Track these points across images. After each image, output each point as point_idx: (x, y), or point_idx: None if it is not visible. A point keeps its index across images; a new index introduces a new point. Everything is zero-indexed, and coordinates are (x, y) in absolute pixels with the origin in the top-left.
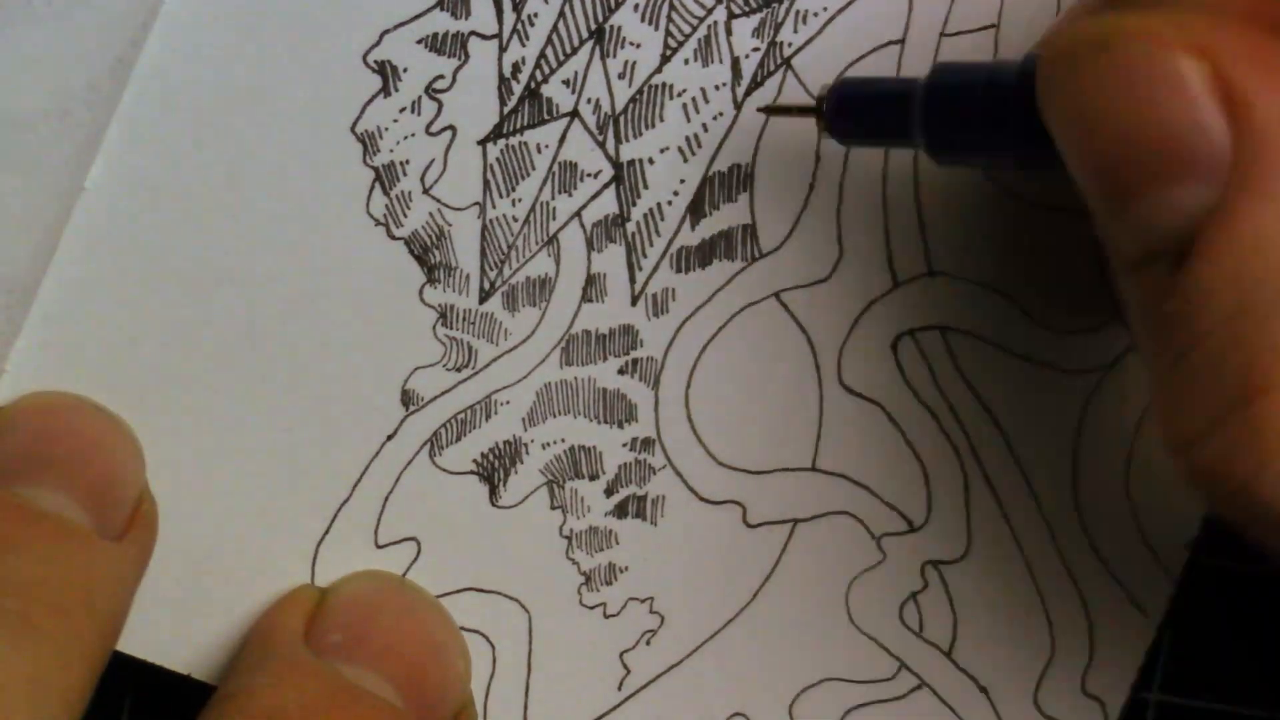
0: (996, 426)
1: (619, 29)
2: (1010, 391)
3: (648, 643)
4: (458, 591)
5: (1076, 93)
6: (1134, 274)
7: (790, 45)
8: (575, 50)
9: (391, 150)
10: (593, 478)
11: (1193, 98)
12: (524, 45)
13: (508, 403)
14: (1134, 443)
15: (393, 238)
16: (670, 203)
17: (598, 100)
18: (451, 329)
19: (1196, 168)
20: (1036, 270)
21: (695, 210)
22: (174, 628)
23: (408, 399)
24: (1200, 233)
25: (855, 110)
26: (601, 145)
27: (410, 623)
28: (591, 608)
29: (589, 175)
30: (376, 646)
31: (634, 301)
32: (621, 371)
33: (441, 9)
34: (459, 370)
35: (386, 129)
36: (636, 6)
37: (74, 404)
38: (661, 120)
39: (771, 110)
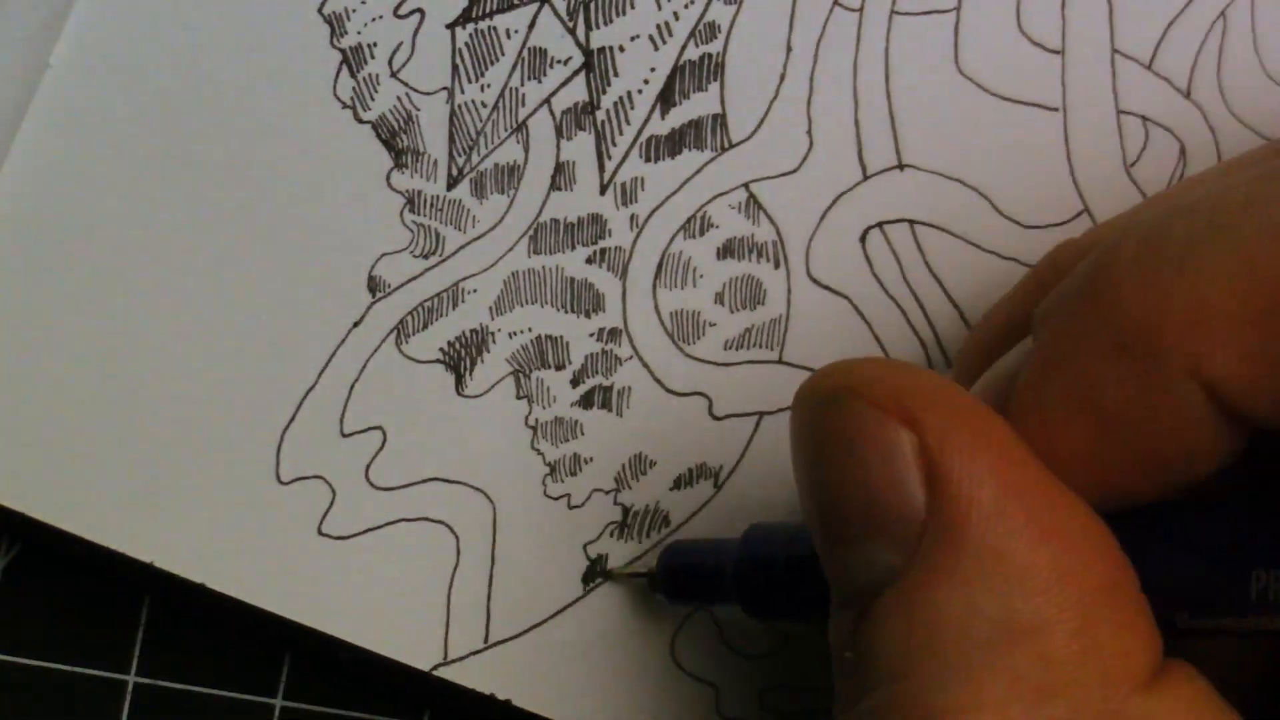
0: (963, 320)
1: None
2: (978, 285)
3: (612, 534)
4: (422, 482)
5: (802, 436)
6: (833, 615)
7: None
8: None
9: (359, 32)
10: (559, 368)
11: (895, 466)
12: None
13: (475, 291)
14: None
15: (360, 121)
16: (640, 91)
17: None
18: (419, 215)
19: (888, 533)
20: (1005, 164)
21: (665, 99)
22: (139, 516)
23: (374, 285)
24: (878, 594)
25: (680, 578)
26: (571, 32)
27: None
28: (556, 499)
29: (558, 62)
30: None
31: (603, 190)
32: (589, 261)
33: None
34: (426, 257)
35: (354, 10)
36: None
37: None
38: (632, 8)
39: (609, 577)
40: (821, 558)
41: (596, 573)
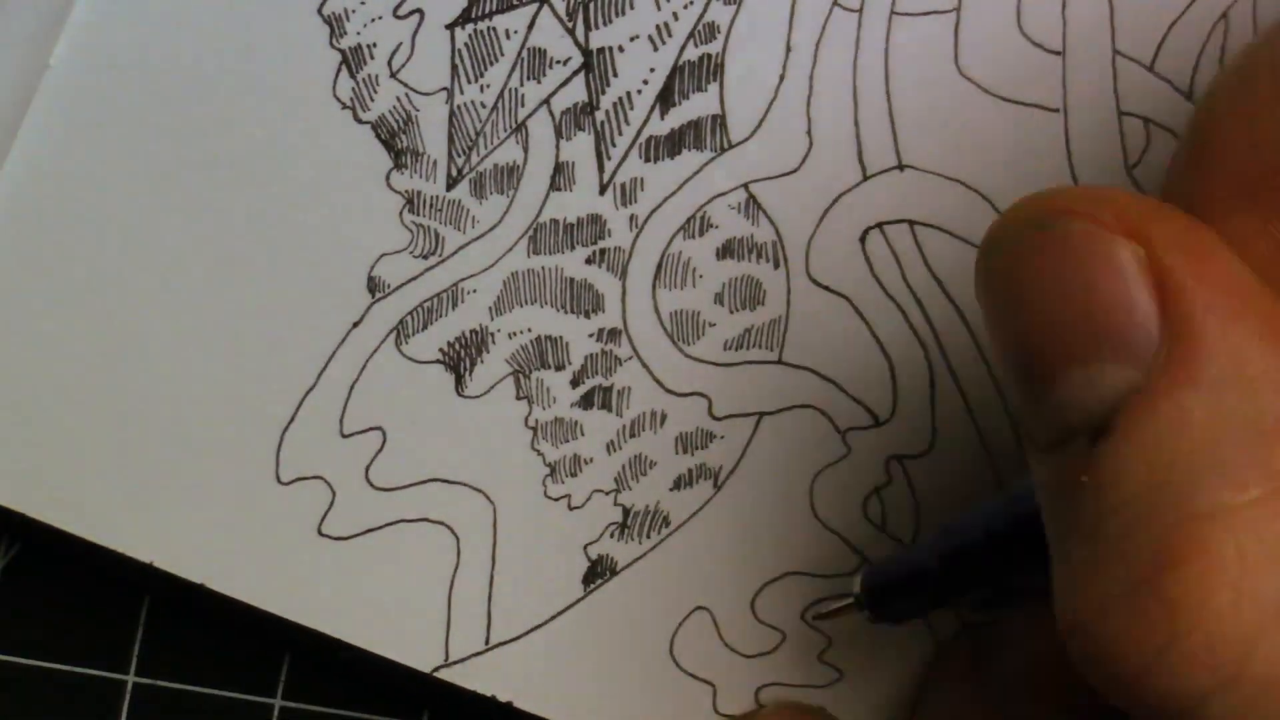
0: (963, 321)
1: None
2: None
3: (612, 535)
4: (422, 483)
5: (1010, 267)
6: (1048, 452)
7: None
8: None
9: (359, 33)
10: (559, 368)
11: (1127, 281)
12: None
13: (475, 291)
14: None
15: (359, 121)
16: (640, 91)
17: None
18: (419, 215)
19: (1126, 349)
20: (1005, 165)
21: (665, 99)
22: (139, 516)
23: (374, 286)
24: (1123, 411)
25: (889, 597)
26: (571, 32)
27: None
28: (556, 499)
29: (558, 62)
30: None
31: (602, 190)
32: (589, 261)
33: None
34: (426, 257)
35: (354, 11)
36: None
37: None
38: (631, 8)
39: (820, 616)
40: (1030, 396)
41: (803, 616)
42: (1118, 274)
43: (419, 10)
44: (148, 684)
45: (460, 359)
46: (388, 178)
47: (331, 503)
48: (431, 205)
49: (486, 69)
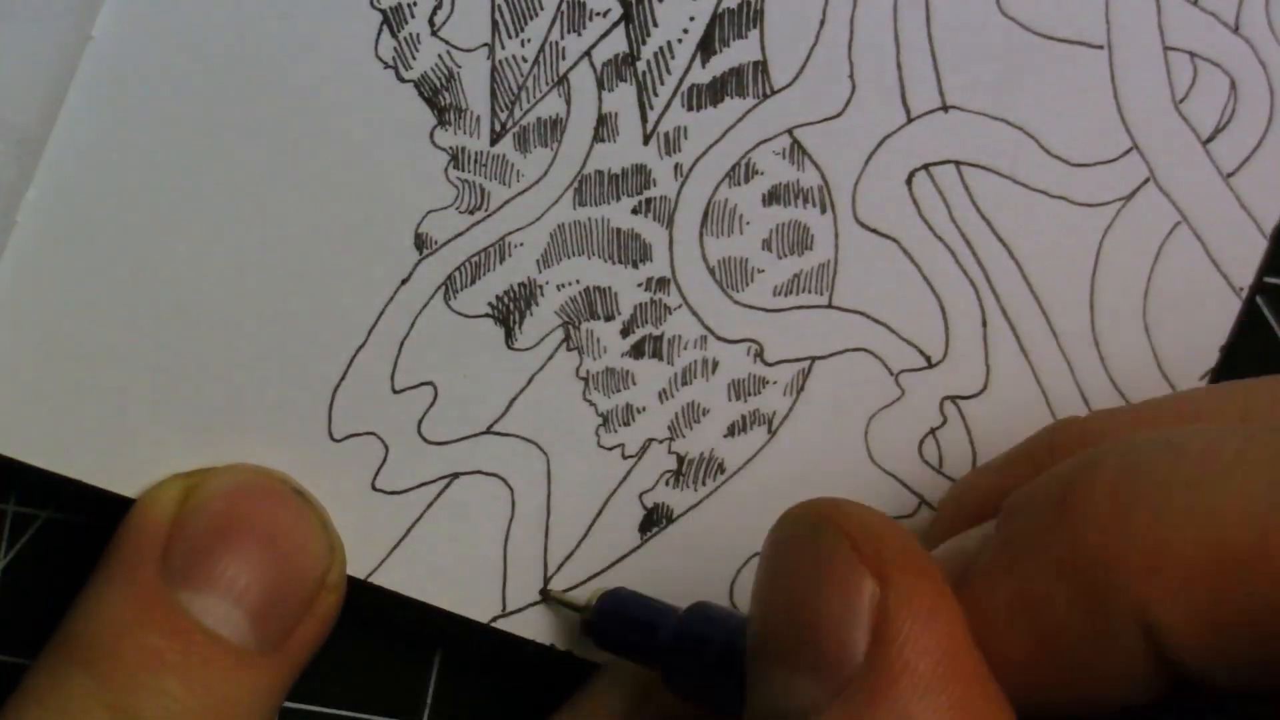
0: (1013, 260)
1: None
2: (1027, 225)
3: (667, 483)
4: (474, 435)
5: (776, 552)
6: None
7: None
8: None
9: None
10: (608, 318)
11: (853, 608)
12: None
13: (522, 245)
14: (1151, 275)
15: (402, 80)
16: (680, 40)
17: None
18: (463, 171)
19: (822, 666)
20: (1050, 103)
21: (705, 47)
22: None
23: (421, 242)
24: None
25: (614, 628)
26: None
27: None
28: (610, 449)
29: (598, 14)
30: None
31: (646, 140)
32: (635, 211)
33: None
34: (472, 213)
35: None
36: None
37: (265, 490)
38: None
39: (544, 597)
40: (749, 674)
41: (539, 591)
42: (847, 599)
43: None
44: None
45: (509, 312)
46: (432, 135)
47: (385, 458)
48: (476, 161)
49: (527, 23)
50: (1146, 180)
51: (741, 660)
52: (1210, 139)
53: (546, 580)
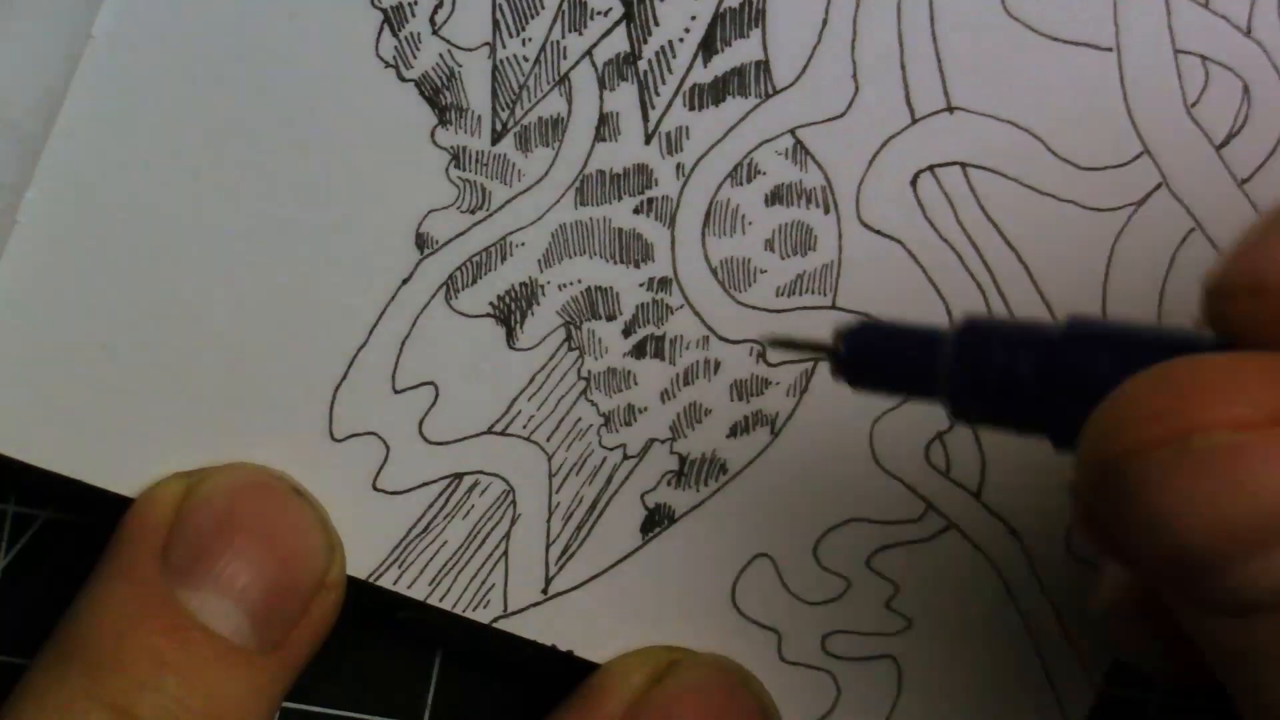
0: (1022, 264)
1: None
2: (1035, 228)
3: (669, 484)
4: (476, 435)
5: (1147, 493)
6: (1238, 626)
7: None
8: None
9: None
10: (610, 318)
11: (1246, 460)
12: None
13: (523, 244)
14: (1166, 281)
15: (403, 80)
16: (682, 40)
17: None
18: (464, 171)
19: None
20: (1058, 105)
21: (707, 46)
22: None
23: (422, 242)
24: None
25: (873, 363)
26: None
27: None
28: (611, 449)
29: (599, 13)
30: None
31: (647, 140)
32: (637, 211)
33: None
34: (473, 212)
35: None
36: None
37: (265, 489)
38: None
39: (777, 343)
40: (1191, 586)
41: (773, 342)
42: (1233, 469)
43: None
44: None
45: (511, 312)
46: (433, 134)
47: (386, 458)
48: (477, 160)
49: (528, 22)
50: (1159, 185)
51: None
52: (1224, 144)
53: (548, 581)
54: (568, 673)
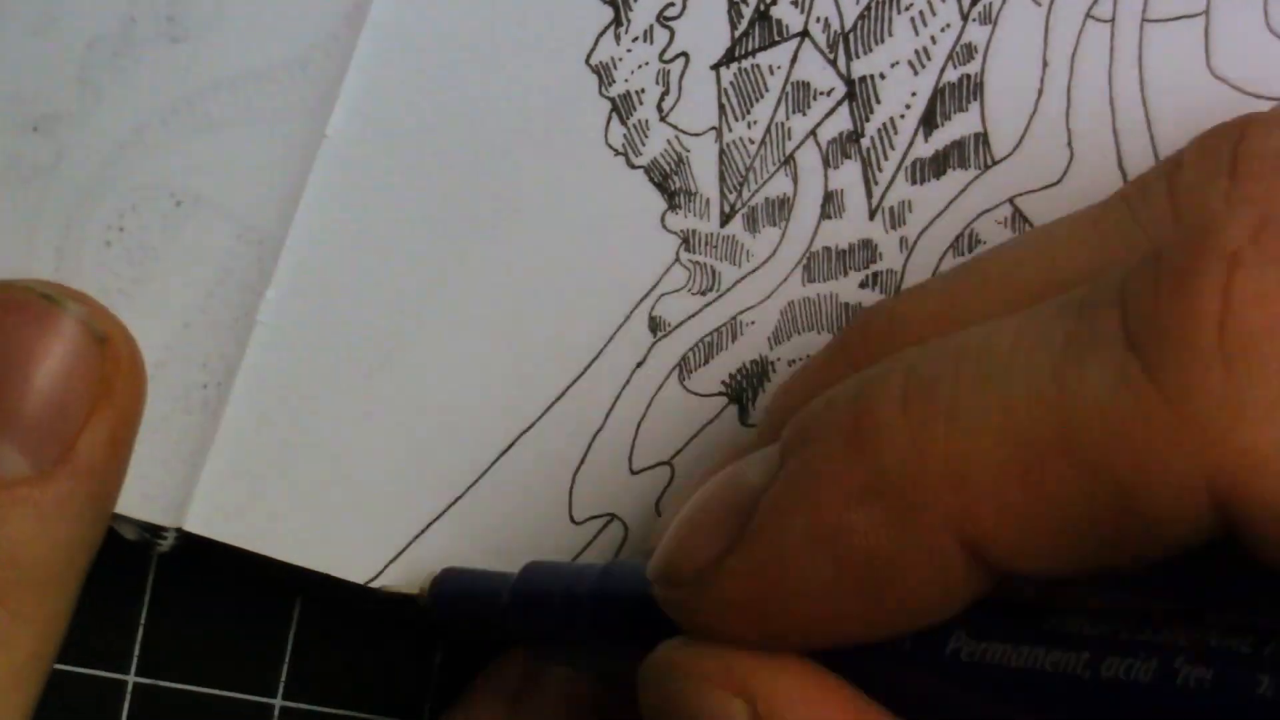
0: None
1: None
2: None
3: None
4: None
5: (650, 711)
6: None
7: None
8: None
9: (626, 80)
10: None
11: None
12: None
13: (753, 323)
14: None
15: (632, 166)
16: (903, 116)
17: (826, 19)
18: (695, 253)
19: None
20: None
21: (928, 121)
22: (429, 558)
23: (655, 325)
24: None
25: (453, 603)
26: (833, 63)
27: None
28: None
29: (822, 94)
30: None
31: (871, 215)
32: (863, 285)
33: None
34: (704, 294)
35: (620, 59)
36: None
37: (6, 305)
38: (890, 35)
39: (385, 592)
40: None
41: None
42: None
43: (684, 54)
44: (148, 684)
45: (743, 389)
46: (663, 219)
47: (624, 538)
48: (707, 242)
49: (753, 105)
50: None
51: (580, 606)
52: None
53: None
54: None
